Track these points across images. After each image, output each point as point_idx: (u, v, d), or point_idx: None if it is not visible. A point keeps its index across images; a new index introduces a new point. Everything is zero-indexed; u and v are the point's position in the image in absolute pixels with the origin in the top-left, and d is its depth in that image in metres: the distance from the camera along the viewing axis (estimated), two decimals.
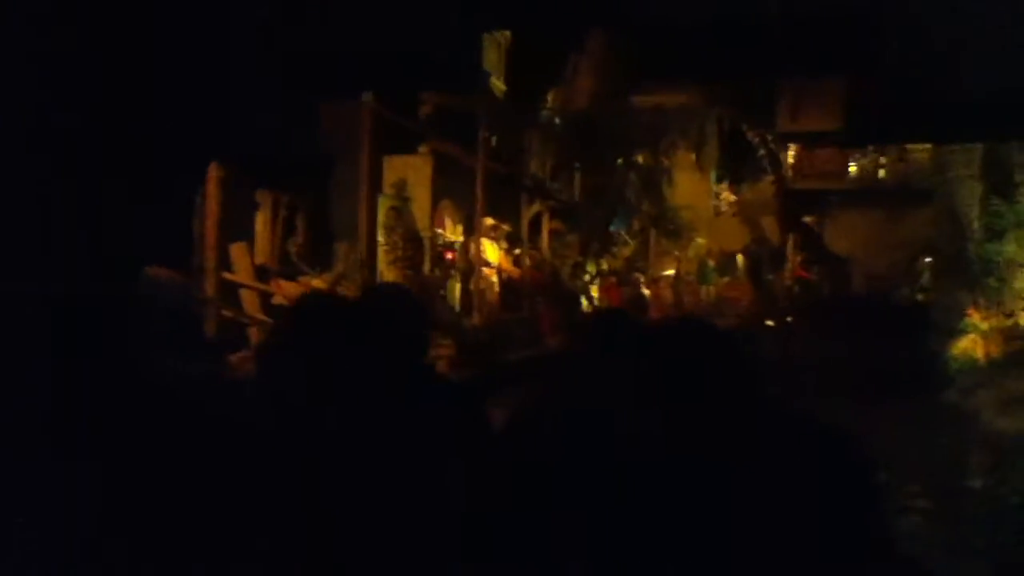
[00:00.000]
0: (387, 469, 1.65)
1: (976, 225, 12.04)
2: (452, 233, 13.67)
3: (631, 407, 1.81)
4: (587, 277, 16.16)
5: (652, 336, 1.90)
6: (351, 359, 1.71)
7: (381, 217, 11.79)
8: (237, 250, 9.47)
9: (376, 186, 11.69)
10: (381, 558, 1.61)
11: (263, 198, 10.65)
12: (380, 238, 11.76)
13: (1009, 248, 11.66)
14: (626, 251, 19.38)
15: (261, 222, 10.68)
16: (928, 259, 22.77)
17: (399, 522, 1.64)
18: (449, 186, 12.78)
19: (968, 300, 11.83)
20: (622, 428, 1.78)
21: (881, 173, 21.61)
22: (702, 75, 20.84)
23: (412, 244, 12.01)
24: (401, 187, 11.83)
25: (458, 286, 12.62)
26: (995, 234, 11.79)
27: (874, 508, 1.67)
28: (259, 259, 10.28)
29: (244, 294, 9.47)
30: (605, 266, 17.49)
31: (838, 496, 1.64)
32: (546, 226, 16.03)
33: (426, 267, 12.29)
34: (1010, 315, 11.02)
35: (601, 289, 16.76)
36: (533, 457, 1.89)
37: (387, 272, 11.91)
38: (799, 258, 22.46)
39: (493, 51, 15.19)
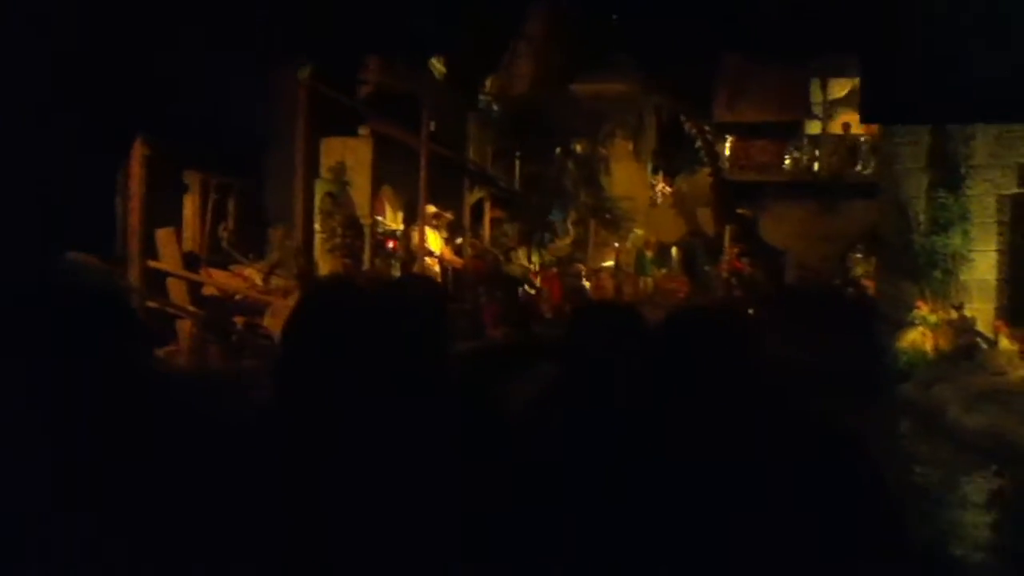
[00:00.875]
0: (401, 465, 1.61)
1: (922, 217, 12.01)
2: (392, 221, 13.13)
3: (649, 400, 1.79)
4: (532, 267, 15.79)
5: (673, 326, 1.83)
6: (372, 353, 1.65)
7: (318, 202, 11.34)
8: (164, 236, 8.96)
9: (313, 169, 11.22)
10: (396, 555, 1.58)
11: (192, 180, 10.06)
12: (317, 225, 11.31)
13: (955, 241, 11.65)
14: (567, 241, 19.12)
15: (190, 206, 10.09)
16: (859, 254, 23.07)
17: (413, 522, 1.60)
18: (389, 171, 12.23)
19: (915, 292, 11.80)
20: (640, 422, 1.76)
21: (816, 166, 21.68)
22: (642, 59, 20.67)
23: (351, 231, 11.62)
24: (339, 171, 11.44)
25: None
26: (941, 227, 11.76)
27: (885, 506, 1.68)
28: (187, 246, 9.75)
29: (171, 283, 8.94)
30: (548, 257, 17.17)
31: (852, 494, 1.63)
32: (488, 214, 15.57)
33: (366, 256, 11.78)
34: (959, 307, 10.99)
35: (543, 280, 16.44)
36: (551, 454, 1.87)
37: (324, 261, 11.43)
38: (735, 250, 22.48)
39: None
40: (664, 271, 22.12)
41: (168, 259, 8.88)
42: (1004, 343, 9.56)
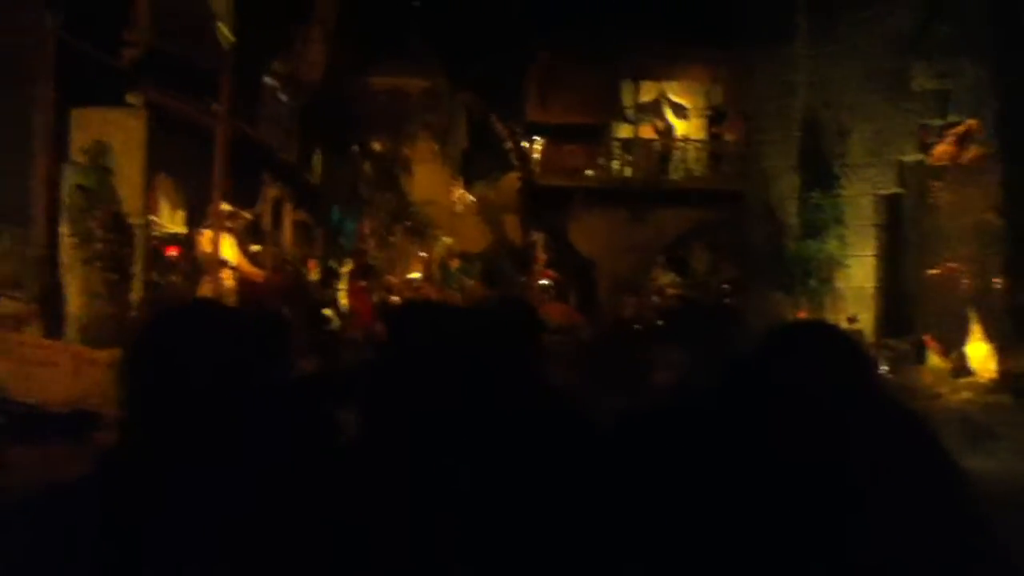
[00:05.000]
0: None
1: (794, 221, 10.96)
2: (170, 221, 10.37)
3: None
4: (339, 279, 13.46)
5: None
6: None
7: (67, 195, 8.63)
8: None
9: (61, 150, 8.71)
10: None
11: None
12: (65, 227, 8.70)
13: (830, 245, 10.69)
14: (382, 254, 16.94)
15: None
16: (662, 263, 22.56)
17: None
18: (166, 156, 9.59)
19: (788, 304, 10.69)
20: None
21: (628, 172, 20.81)
22: (447, 51, 18.90)
23: (115, 235, 8.96)
24: (99, 153, 8.86)
25: None
26: (815, 230, 10.77)
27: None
28: None
29: None
30: (349, 267, 14.90)
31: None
32: (288, 216, 12.99)
33: (137, 267, 9.08)
34: (853, 319, 9.95)
35: (350, 294, 14.14)
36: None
37: (75, 276, 8.70)
38: (545, 259, 21.22)
39: None
40: (473, 283, 20.48)
41: None
42: (934, 360, 8.47)
